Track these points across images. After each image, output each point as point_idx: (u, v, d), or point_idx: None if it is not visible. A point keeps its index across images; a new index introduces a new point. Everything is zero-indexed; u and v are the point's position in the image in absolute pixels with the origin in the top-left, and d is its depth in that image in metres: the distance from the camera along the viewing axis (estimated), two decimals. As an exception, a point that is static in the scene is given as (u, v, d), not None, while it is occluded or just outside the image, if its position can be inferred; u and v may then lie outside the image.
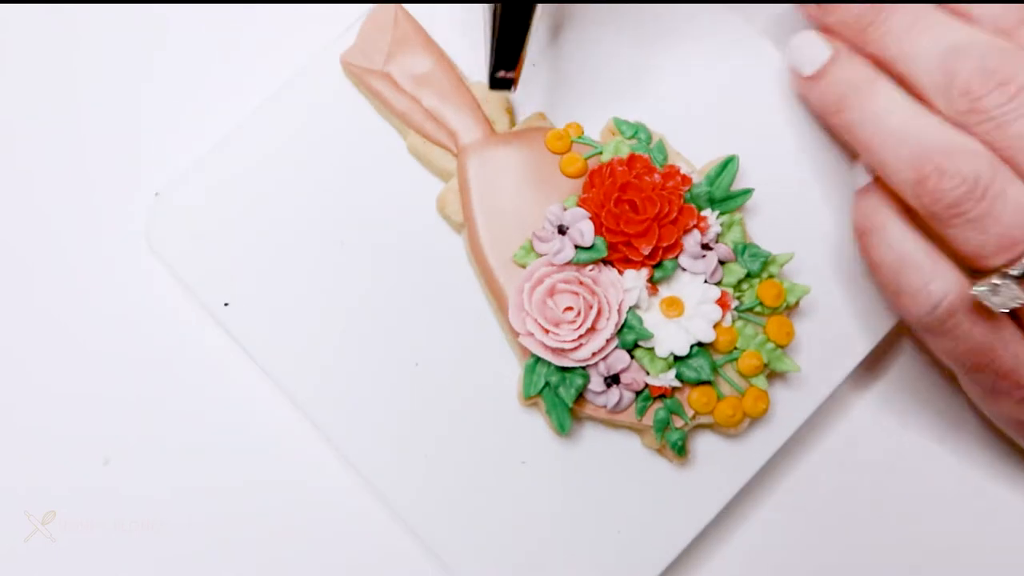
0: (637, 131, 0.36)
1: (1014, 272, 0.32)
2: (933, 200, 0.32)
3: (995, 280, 0.32)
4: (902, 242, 0.34)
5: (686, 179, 0.35)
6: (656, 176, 0.35)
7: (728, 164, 0.36)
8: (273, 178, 0.38)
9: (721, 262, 0.35)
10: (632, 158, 0.35)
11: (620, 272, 0.35)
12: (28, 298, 0.41)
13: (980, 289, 0.32)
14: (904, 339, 0.41)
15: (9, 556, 0.39)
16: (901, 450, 0.40)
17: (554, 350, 0.34)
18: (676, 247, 0.35)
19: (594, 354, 0.34)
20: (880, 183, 0.35)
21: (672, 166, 0.35)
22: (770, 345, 0.35)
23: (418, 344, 0.37)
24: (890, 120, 0.34)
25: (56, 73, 0.43)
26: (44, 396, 0.40)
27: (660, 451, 0.36)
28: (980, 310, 0.33)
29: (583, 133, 0.37)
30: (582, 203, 0.35)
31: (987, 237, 0.32)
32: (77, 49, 0.43)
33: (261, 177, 0.38)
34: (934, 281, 0.33)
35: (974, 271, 0.33)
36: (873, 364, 0.40)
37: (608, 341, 0.34)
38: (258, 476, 0.40)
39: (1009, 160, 0.32)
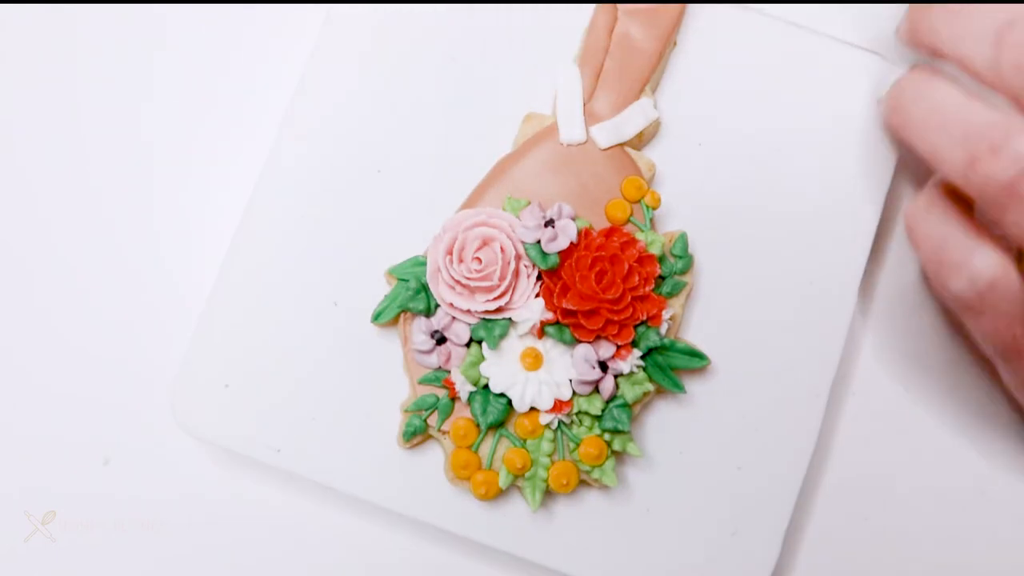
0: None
1: None
2: (985, 181, 0.31)
3: None
4: (947, 221, 0.34)
5: (652, 267, 0.37)
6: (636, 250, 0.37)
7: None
8: (271, 307, 0.39)
9: (615, 376, 0.37)
10: (624, 235, 0.37)
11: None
12: (28, 298, 0.42)
13: None
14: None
15: (9, 556, 0.40)
16: (904, 451, 0.41)
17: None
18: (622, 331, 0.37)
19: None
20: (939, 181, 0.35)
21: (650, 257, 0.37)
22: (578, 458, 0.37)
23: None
24: (945, 107, 0.33)
25: (57, 82, 0.43)
26: (44, 396, 0.41)
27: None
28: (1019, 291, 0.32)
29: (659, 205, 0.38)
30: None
31: None
32: (78, 56, 0.43)
33: (262, 310, 0.39)
34: (976, 253, 0.33)
35: None
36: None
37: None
38: (257, 476, 0.40)
39: None
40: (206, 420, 0.38)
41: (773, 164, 0.40)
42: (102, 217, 0.42)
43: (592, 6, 0.40)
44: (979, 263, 0.33)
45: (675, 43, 0.40)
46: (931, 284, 0.35)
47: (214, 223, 0.41)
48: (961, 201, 0.34)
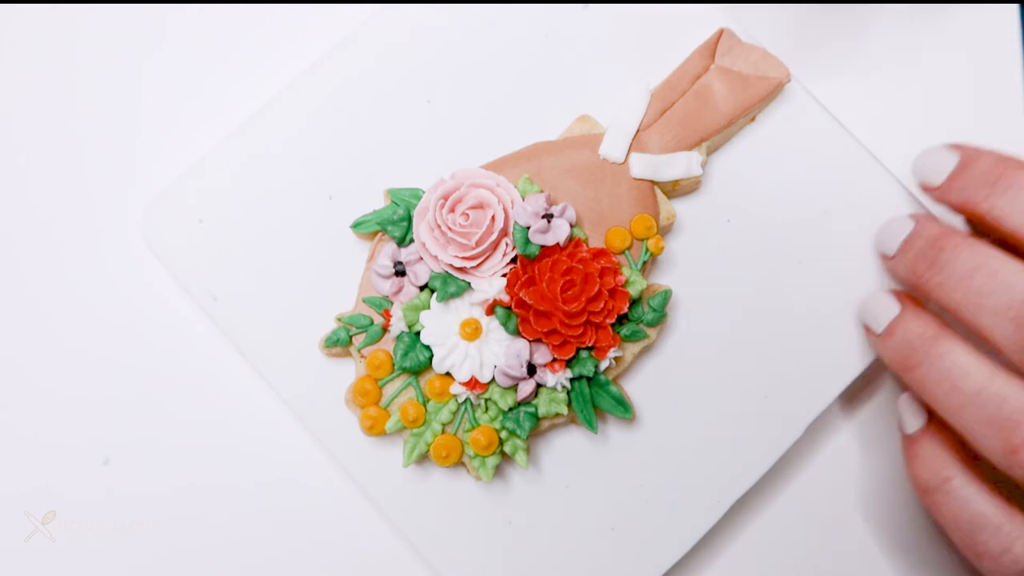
0: None
1: None
2: None
3: None
4: (973, 500, 0.34)
5: (620, 302, 0.37)
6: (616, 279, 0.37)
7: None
8: (269, 181, 0.40)
9: (538, 384, 0.37)
10: (610, 262, 0.37)
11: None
12: (27, 298, 0.42)
13: None
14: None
15: (9, 556, 0.40)
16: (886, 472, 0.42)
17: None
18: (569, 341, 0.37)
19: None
20: (934, 427, 0.36)
21: (623, 292, 0.37)
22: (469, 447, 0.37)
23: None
24: (965, 383, 0.33)
25: (55, 72, 0.43)
26: (44, 396, 0.41)
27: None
28: None
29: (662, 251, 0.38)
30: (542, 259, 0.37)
31: None
32: (76, 49, 0.44)
33: (258, 178, 0.40)
34: (1017, 542, 0.33)
35: None
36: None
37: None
38: (257, 476, 0.41)
39: None
40: (168, 242, 0.39)
41: (787, 269, 0.40)
42: (101, 218, 0.42)
43: (693, 36, 0.40)
44: (1021, 549, 0.33)
45: (753, 118, 0.40)
46: (970, 562, 0.35)
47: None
48: (973, 462, 0.35)
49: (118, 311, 0.42)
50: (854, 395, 0.42)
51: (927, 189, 0.38)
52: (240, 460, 0.41)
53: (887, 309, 0.37)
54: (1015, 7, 0.45)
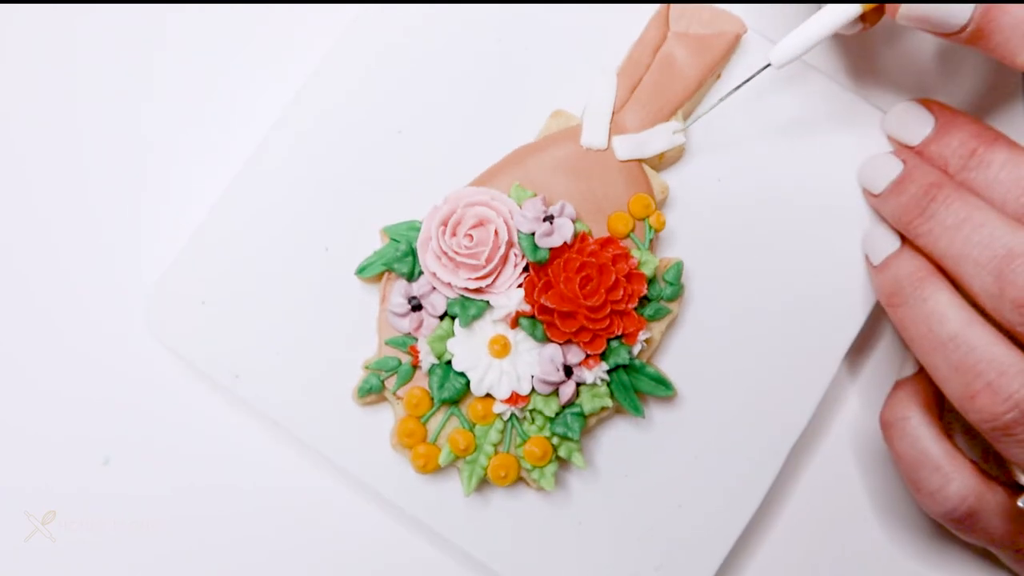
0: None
1: None
2: (981, 419, 0.33)
3: None
4: (922, 439, 0.36)
5: (639, 285, 0.37)
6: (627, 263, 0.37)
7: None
8: (262, 247, 0.39)
9: (578, 383, 0.37)
10: (619, 248, 0.37)
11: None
12: (28, 300, 0.42)
13: None
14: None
15: (9, 556, 0.40)
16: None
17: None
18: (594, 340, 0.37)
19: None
20: (921, 379, 0.38)
21: (639, 275, 0.37)
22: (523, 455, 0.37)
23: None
24: (941, 327, 0.34)
25: (55, 72, 0.43)
26: (44, 396, 0.41)
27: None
28: (1001, 510, 0.34)
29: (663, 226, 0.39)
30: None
31: None
32: (76, 49, 0.43)
33: (251, 248, 0.39)
34: (951, 483, 0.35)
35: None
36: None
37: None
38: (258, 477, 0.41)
39: None
40: (176, 331, 0.39)
41: (786, 217, 0.40)
42: (100, 218, 0.42)
43: (647, 16, 0.40)
44: (954, 493, 0.35)
45: (719, 75, 0.40)
46: (910, 495, 0.37)
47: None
48: (937, 409, 0.37)
49: (118, 311, 0.41)
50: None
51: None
52: (239, 461, 0.41)
53: (885, 244, 0.38)
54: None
